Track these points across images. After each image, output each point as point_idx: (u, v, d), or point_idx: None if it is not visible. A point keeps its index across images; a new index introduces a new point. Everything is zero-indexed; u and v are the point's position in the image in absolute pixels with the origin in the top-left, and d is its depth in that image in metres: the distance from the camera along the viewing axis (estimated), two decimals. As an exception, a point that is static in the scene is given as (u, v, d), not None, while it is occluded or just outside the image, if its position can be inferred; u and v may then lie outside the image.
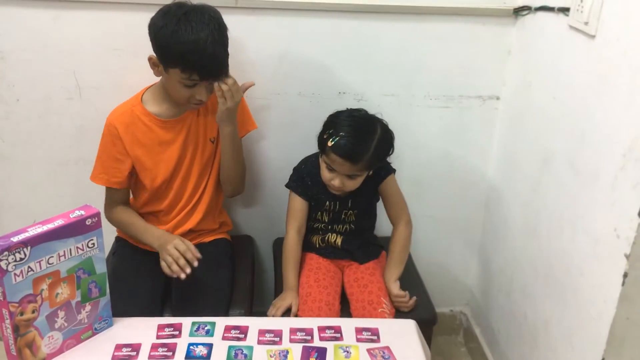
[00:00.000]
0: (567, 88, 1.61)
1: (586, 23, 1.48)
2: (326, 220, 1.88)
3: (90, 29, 1.85)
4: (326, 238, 1.89)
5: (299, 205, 1.84)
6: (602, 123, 1.44)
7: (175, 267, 1.62)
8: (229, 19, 1.82)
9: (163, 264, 1.65)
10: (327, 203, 1.84)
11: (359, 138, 1.67)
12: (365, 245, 1.92)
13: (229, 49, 1.66)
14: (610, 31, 1.41)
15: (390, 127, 2.03)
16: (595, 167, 1.46)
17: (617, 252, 1.35)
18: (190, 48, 1.55)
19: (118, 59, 1.89)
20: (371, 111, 2.00)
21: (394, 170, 1.88)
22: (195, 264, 1.63)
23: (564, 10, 1.61)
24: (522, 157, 1.90)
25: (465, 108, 2.05)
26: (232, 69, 1.91)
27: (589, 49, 1.49)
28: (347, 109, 1.77)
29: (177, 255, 1.63)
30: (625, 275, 1.33)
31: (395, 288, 1.77)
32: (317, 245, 1.90)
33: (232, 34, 1.86)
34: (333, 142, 1.67)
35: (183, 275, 1.61)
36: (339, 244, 1.89)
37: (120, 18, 1.83)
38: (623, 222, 1.34)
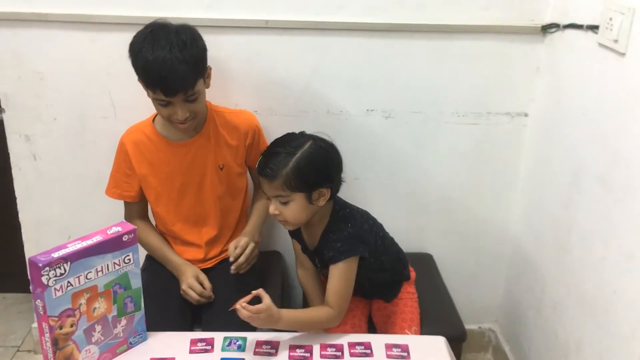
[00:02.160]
0: (598, 105, 1.61)
1: (616, 41, 1.49)
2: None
3: (125, 50, 1.89)
4: None
5: (296, 246, 1.82)
6: (635, 139, 1.43)
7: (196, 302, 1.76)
8: (259, 39, 1.88)
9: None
10: (306, 254, 1.78)
11: (274, 152, 1.55)
12: (379, 286, 1.80)
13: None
14: (640, 48, 1.42)
15: (418, 143, 2.07)
16: (628, 183, 1.46)
17: (651, 270, 1.35)
18: (150, 66, 1.59)
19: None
20: (398, 128, 2.04)
21: (349, 256, 1.59)
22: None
23: (593, 28, 1.62)
24: (551, 174, 1.89)
25: (494, 125, 2.06)
26: (262, 88, 1.97)
27: (620, 66, 1.49)
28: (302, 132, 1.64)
29: (195, 296, 1.75)
30: (659, 294, 1.32)
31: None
32: None
33: (262, 53, 1.92)
34: (257, 164, 1.60)
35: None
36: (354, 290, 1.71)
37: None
38: (657, 240, 1.33)
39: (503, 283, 2.30)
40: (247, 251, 1.78)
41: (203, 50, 1.68)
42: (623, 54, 1.47)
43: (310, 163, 1.54)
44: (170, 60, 1.58)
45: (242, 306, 1.46)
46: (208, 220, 1.89)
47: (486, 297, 2.34)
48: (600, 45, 1.58)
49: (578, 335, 1.70)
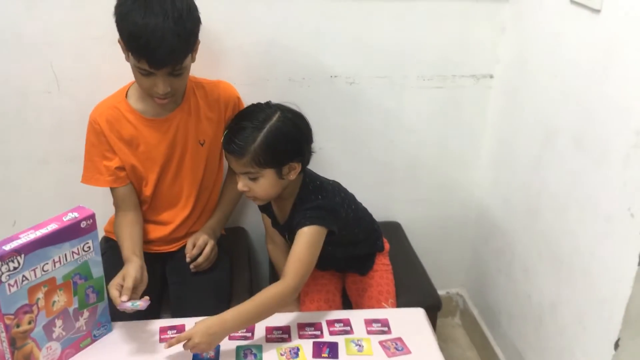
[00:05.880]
0: (570, 65, 1.57)
1: (590, -3, 1.45)
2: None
3: (67, 16, 1.74)
4: None
5: (266, 220, 1.74)
6: (611, 99, 1.41)
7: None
8: (213, 3, 1.75)
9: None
10: (276, 229, 1.70)
11: (240, 127, 1.44)
12: (353, 259, 1.75)
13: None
14: (616, 4, 1.38)
15: (383, 109, 2.01)
16: (604, 145, 1.43)
17: (632, 232, 1.33)
18: (138, 32, 1.42)
19: (97, 48, 1.78)
20: (363, 94, 1.96)
21: (316, 224, 1.49)
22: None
23: (564, -16, 1.57)
24: (520, 137, 1.86)
25: (459, 87, 2.01)
26: (221, 55, 1.85)
27: (594, 24, 1.45)
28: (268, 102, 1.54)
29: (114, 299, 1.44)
30: (641, 255, 1.31)
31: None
32: None
33: (217, 18, 1.79)
34: (223, 138, 1.50)
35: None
36: (324, 265, 1.69)
37: (98, 4, 1.71)
38: (638, 201, 1.31)
39: (470, 248, 2.29)
40: (206, 250, 1.69)
41: (198, 22, 1.53)
42: (598, 11, 1.43)
43: (280, 137, 1.44)
44: (162, 30, 1.41)
45: (169, 343, 1.35)
46: (182, 199, 1.76)
47: (453, 262, 2.33)
48: (572, 1, 1.53)
49: (552, 298, 1.70)
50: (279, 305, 1.43)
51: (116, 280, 1.45)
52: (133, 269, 1.49)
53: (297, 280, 1.44)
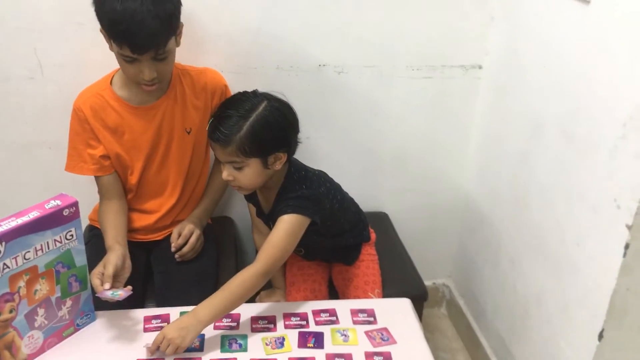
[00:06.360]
0: (559, 56, 1.56)
1: (580, -12, 1.44)
2: None
3: (52, 1, 1.71)
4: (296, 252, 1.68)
5: (252, 209, 1.73)
6: (599, 91, 1.40)
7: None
8: (202, -12, 1.73)
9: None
10: (261, 218, 1.68)
11: (226, 116, 1.43)
12: (339, 250, 1.74)
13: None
14: (606, -4, 1.37)
15: (371, 99, 2.00)
16: (592, 136, 1.43)
17: (618, 223, 1.33)
18: (117, 17, 1.41)
19: (82, 33, 1.75)
20: (351, 84, 1.95)
21: (298, 212, 1.48)
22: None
23: (554, -25, 1.56)
24: (508, 128, 1.86)
25: (448, 78, 2.00)
26: (207, 42, 1.83)
27: (584, 15, 1.45)
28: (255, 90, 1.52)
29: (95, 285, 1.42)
30: (626, 247, 1.31)
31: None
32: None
33: (205, 5, 1.77)
34: (208, 126, 1.47)
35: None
36: (311, 255, 1.74)
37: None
38: (624, 193, 1.31)
39: (457, 239, 2.29)
40: (192, 240, 1.68)
41: (178, 4, 1.51)
42: (588, 2, 1.42)
43: (266, 127, 1.43)
44: (141, 14, 1.39)
45: (149, 351, 1.34)
46: (168, 188, 1.74)
47: (440, 253, 2.34)
48: (562, -7, 1.53)
49: (538, 289, 1.70)
50: (249, 291, 1.42)
51: (98, 269, 1.43)
52: (114, 256, 1.47)
53: (266, 265, 1.43)
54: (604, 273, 1.39)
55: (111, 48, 1.51)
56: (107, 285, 1.38)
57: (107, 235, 1.59)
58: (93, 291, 1.41)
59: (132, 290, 1.42)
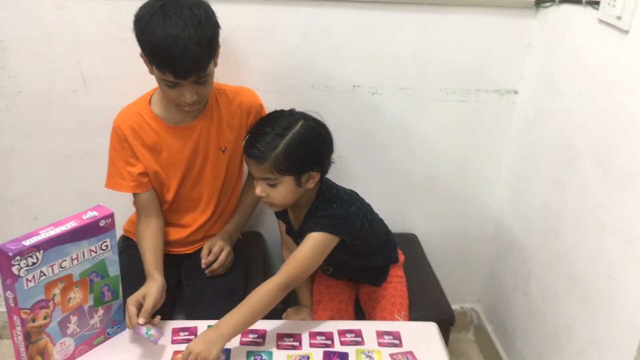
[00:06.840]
0: (595, 84, 1.55)
1: (619, 18, 1.43)
2: None
3: (96, 17, 1.77)
4: (324, 270, 1.74)
5: (282, 226, 1.74)
6: (635, 122, 1.39)
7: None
8: (240, 10, 1.77)
9: None
10: (291, 236, 1.69)
11: (262, 133, 1.44)
12: (367, 270, 1.74)
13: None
14: (645, 26, 1.36)
15: (404, 121, 2.00)
16: (627, 165, 1.42)
17: (652, 256, 1.31)
18: (160, 44, 1.43)
19: (124, 49, 1.78)
20: (385, 105, 1.96)
21: (326, 231, 1.48)
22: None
23: (593, 3, 1.55)
24: (541, 154, 1.84)
25: (482, 102, 2.00)
26: (244, 61, 1.86)
27: (621, 45, 1.44)
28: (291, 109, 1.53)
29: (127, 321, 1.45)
30: (660, 281, 1.29)
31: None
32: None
33: (243, 25, 1.81)
34: (244, 142, 1.50)
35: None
36: (338, 274, 1.75)
37: (126, 5, 1.71)
38: (659, 226, 1.29)
39: (486, 263, 2.27)
40: (222, 257, 1.70)
41: (217, 28, 1.53)
42: (626, 32, 1.41)
43: (301, 146, 1.44)
44: (183, 40, 1.42)
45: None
46: (202, 204, 1.78)
47: (469, 277, 2.31)
48: (601, 21, 1.52)
49: (569, 320, 1.67)
50: (270, 303, 1.43)
51: (136, 297, 1.45)
52: (155, 289, 1.49)
53: (287, 279, 1.44)
54: (636, 307, 1.36)
55: (151, 72, 1.55)
56: (142, 320, 1.40)
57: (146, 259, 1.61)
58: (123, 300, 1.44)
59: (162, 334, 1.42)
